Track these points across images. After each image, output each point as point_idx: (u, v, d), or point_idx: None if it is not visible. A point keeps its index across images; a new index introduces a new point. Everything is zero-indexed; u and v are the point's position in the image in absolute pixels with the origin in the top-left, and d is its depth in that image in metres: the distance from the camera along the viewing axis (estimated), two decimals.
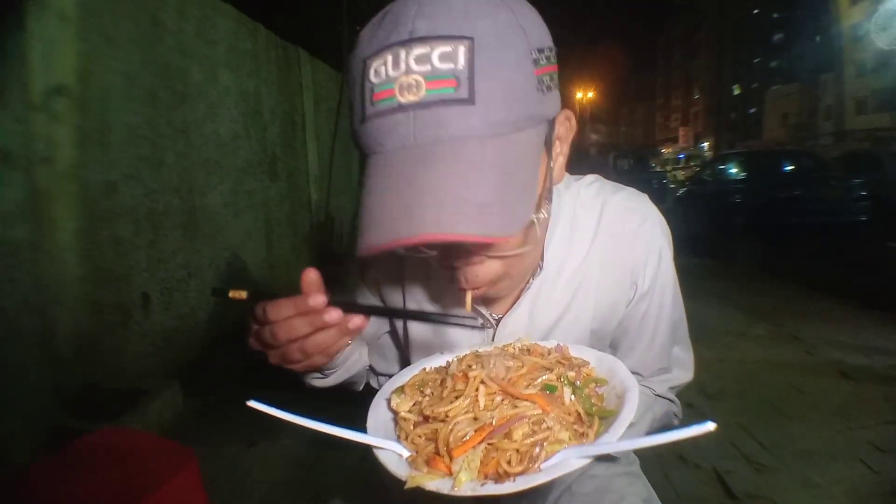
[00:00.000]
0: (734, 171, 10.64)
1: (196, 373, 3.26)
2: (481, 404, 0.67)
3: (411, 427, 0.70)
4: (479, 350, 0.81)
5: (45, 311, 2.49)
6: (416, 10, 0.61)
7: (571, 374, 0.74)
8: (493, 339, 0.93)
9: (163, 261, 3.36)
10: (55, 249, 2.56)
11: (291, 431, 2.73)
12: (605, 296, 0.92)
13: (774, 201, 8.97)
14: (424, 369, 0.82)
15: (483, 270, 0.73)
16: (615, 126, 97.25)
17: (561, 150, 0.77)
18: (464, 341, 0.94)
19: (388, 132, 0.61)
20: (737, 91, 54.84)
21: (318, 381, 0.92)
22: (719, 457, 2.56)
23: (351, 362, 0.96)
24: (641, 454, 1.07)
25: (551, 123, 0.71)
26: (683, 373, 1.02)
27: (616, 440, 0.62)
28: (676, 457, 2.55)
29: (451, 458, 0.62)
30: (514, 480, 0.59)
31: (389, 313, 1.00)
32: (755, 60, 50.81)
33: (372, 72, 0.61)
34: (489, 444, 0.63)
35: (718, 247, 8.50)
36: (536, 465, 0.61)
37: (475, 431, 0.64)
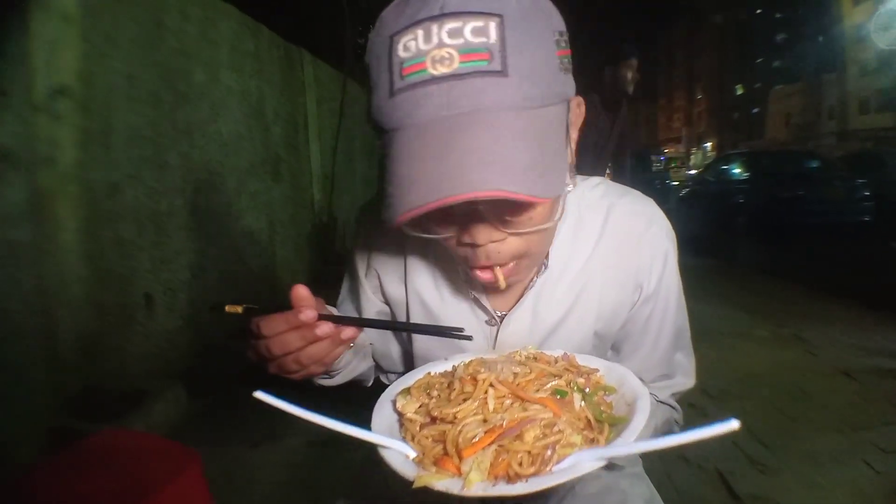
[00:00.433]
0: (737, 171, 10.61)
1: (199, 374, 3.26)
2: (490, 407, 0.67)
3: (417, 428, 0.70)
4: (485, 357, 0.81)
5: (47, 311, 2.49)
6: None
7: (581, 380, 0.74)
8: (496, 337, 0.93)
9: (166, 262, 3.37)
10: (58, 250, 2.56)
11: (295, 433, 2.74)
12: (609, 298, 0.92)
13: (777, 201, 8.96)
14: (430, 373, 0.82)
15: (505, 247, 0.73)
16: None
17: (572, 135, 0.78)
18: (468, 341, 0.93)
19: (420, 104, 0.62)
20: (739, 91, 54.90)
21: (325, 381, 0.94)
22: (722, 458, 2.55)
23: (353, 366, 0.96)
24: (644, 455, 1.07)
25: (568, 105, 0.73)
26: (686, 379, 1.02)
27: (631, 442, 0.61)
28: (679, 457, 2.55)
29: (460, 459, 0.62)
30: (526, 481, 0.59)
31: (378, 325, 1.00)
32: (758, 60, 50.81)
33: (400, 47, 0.63)
34: (499, 445, 0.62)
35: (721, 247, 8.49)
36: (548, 468, 0.60)
37: (485, 433, 0.64)
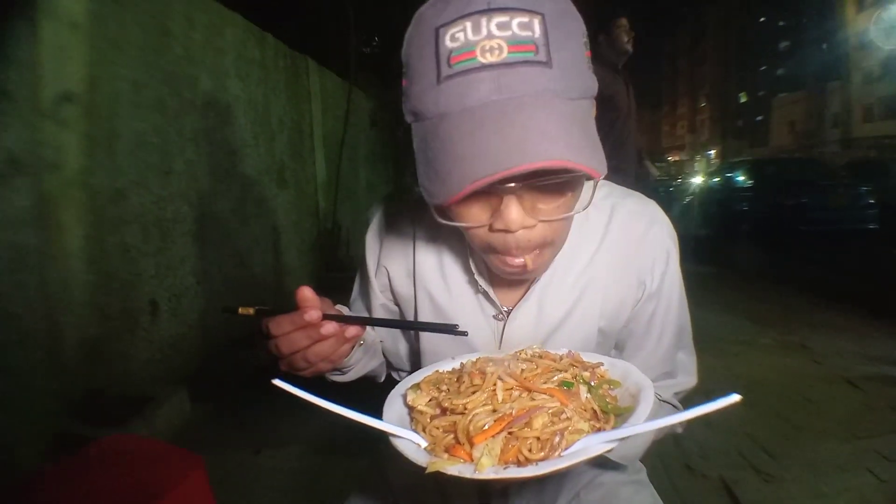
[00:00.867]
0: (741, 178, 10.61)
1: (203, 379, 3.27)
2: (500, 398, 0.68)
3: (428, 419, 0.71)
4: (492, 356, 0.82)
5: (52, 316, 2.51)
6: None
7: (586, 374, 0.75)
8: (503, 331, 0.95)
9: (171, 268, 3.38)
10: (63, 255, 2.58)
11: (298, 439, 2.74)
12: (613, 295, 0.94)
13: (781, 209, 8.95)
14: (438, 371, 0.83)
15: (533, 235, 0.75)
16: None
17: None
18: (476, 332, 0.95)
19: (470, 89, 0.65)
20: (743, 99, 54.87)
21: (337, 378, 0.96)
22: (726, 466, 2.54)
23: (364, 363, 0.98)
24: (647, 463, 1.07)
25: (593, 102, 0.76)
26: (688, 378, 1.03)
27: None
28: (683, 466, 2.55)
29: (471, 446, 0.63)
30: (536, 465, 0.60)
31: (379, 324, 1.04)
32: (761, 68, 50.80)
33: (447, 38, 0.66)
34: (509, 433, 0.64)
35: (725, 255, 8.48)
36: (557, 453, 0.62)
37: (495, 421, 0.65)
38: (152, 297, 3.20)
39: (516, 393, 0.69)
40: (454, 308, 0.96)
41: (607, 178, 0.75)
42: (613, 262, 0.93)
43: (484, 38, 0.65)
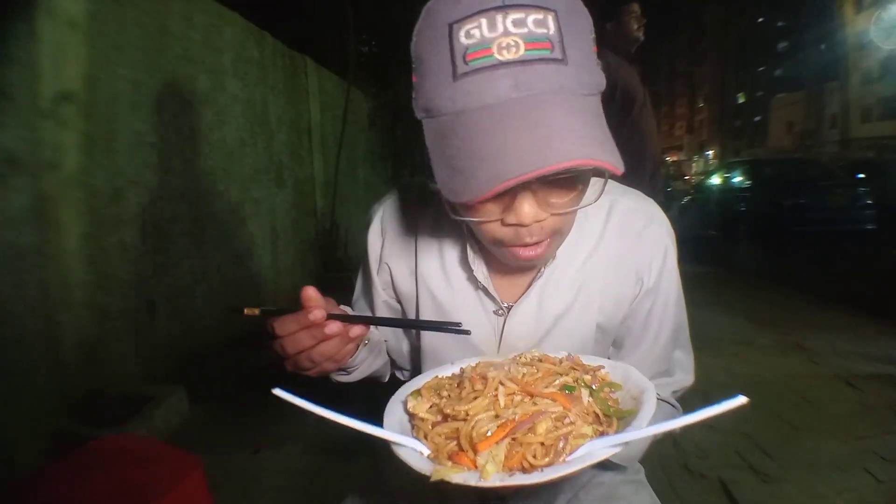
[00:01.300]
0: (739, 179, 10.60)
1: (202, 379, 3.26)
2: (502, 403, 0.68)
3: (430, 427, 0.70)
4: (491, 360, 0.82)
5: (50, 316, 2.50)
6: None
7: (587, 377, 0.75)
8: (503, 327, 0.95)
9: (169, 267, 3.37)
10: (61, 255, 2.57)
11: (296, 440, 2.74)
12: (611, 290, 0.94)
13: (779, 209, 8.94)
14: (438, 376, 0.83)
15: (545, 226, 0.76)
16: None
17: None
18: (477, 328, 0.94)
19: (489, 86, 0.66)
20: (742, 99, 54.89)
21: (342, 378, 0.97)
22: (725, 467, 2.54)
23: (368, 363, 0.99)
24: (646, 463, 1.07)
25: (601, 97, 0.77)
26: (685, 376, 1.03)
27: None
28: (682, 466, 2.55)
29: (475, 453, 0.62)
30: (542, 471, 0.60)
31: (381, 322, 1.04)
32: (760, 69, 50.82)
33: (462, 34, 0.66)
34: (513, 438, 0.63)
35: (723, 255, 8.48)
36: (561, 459, 0.61)
37: (498, 427, 0.64)
38: (150, 296, 3.19)
39: (518, 398, 0.69)
40: (455, 304, 0.97)
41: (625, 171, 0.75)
42: (612, 258, 0.93)
43: (500, 35, 0.65)
